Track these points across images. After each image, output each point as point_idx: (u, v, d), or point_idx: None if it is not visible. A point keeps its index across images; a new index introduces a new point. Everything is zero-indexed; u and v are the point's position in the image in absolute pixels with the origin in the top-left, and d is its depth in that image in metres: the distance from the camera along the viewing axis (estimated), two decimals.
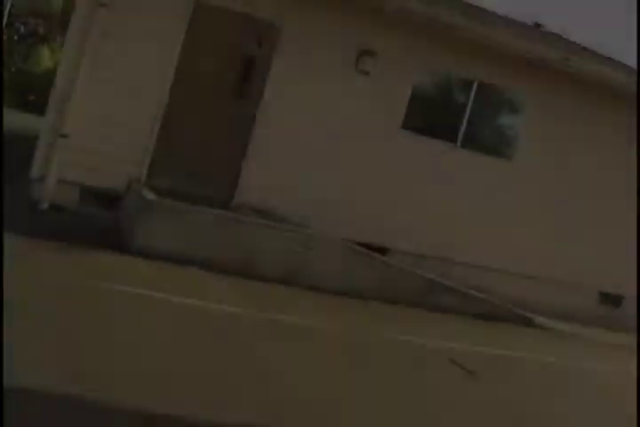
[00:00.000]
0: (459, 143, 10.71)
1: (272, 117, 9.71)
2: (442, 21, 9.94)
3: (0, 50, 8.71)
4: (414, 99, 10.36)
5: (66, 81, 8.92)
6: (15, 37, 26.20)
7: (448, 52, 10.35)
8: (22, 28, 26.58)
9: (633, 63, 19.02)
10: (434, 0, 10.33)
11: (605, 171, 11.62)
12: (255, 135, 9.74)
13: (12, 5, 22.76)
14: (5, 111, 12.36)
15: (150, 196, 7.90)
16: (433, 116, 10.76)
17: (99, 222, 8.61)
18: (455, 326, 8.10)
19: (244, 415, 3.82)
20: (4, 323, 3.90)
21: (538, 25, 15.04)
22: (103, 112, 8.89)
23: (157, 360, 4.33)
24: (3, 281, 4.20)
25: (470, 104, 10.72)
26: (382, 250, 9.97)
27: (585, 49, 13.54)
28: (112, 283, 5.79)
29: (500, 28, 11.40)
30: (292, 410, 4.08)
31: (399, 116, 10.34)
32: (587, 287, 11.86)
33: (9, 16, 22.09)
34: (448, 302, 8.73)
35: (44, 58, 26.48)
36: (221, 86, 10.57)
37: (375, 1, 9.72)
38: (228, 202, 9.64)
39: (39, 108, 15.51)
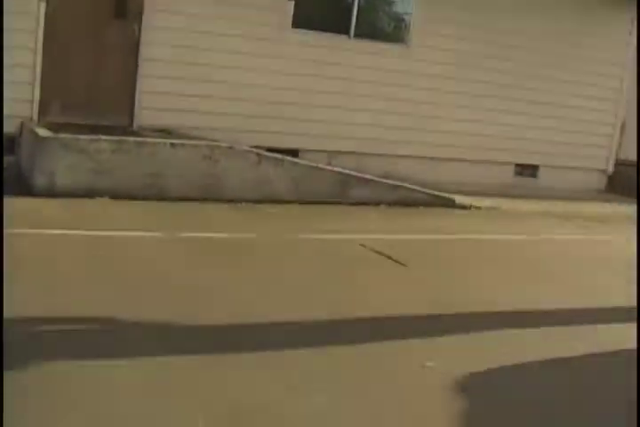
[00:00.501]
0: (352, 34, 10.68)
1: (156, 34, 9.52)
2: None
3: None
4: None
5: None
6: None
7: None
8: None
9: None
10: None
11: (510, 49, 11.76)
12: (142, 54, 9.57)
13: None
14: None
15: (44, 133, 7.77)
16: (322, 11, 10.68)
17: None
18: (373, 216, 8.30)
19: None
20: None
21: None
22: None
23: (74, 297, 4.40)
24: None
25: None
26: (293, 152, 10.06)
27: None
28: (16, 228, 5.76)
29: None
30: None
31: (288, 16, 10.24)
32: (503, 162, 12.22)
33: None
34: (365, 194, 8.91)
35: None
36: (99, 6, 10.25)
37: None
38: (127, 127, 9.55)
39: None
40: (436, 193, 9.54)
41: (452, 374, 3.71)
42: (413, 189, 9.36)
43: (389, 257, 6.23)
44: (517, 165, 12.44)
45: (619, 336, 4.65)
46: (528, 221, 9.16)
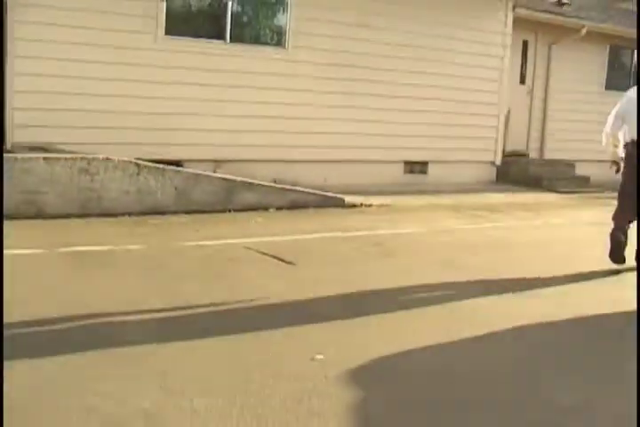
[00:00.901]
0: (228, 39, 10.64)
1: (24, 45, 9.25)
2: None
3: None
4: (172, 2, 10.17)
5: None
6: None
7: None
8: None
9: None
10: None
11: (388, 47, 11.92)
12: (10, 66, 9.28)
13: None
14: None
15: None
16: (195, 17, 10.61)
17: None
18: (260, 220, 8.26)
19: None
20: None
21: None
22: None
23: None
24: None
25: None
26: (177, 163, 9.91)
27: None
28: None
29: None
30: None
31: (161, 24, 10.11)
32: (392, 160, 12.37)
33: None
34: (253, 199, 8.87)
35: None
36: None
37: None
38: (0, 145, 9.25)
39: None
40: (326, 194, 9.59)
41: (341, 366, 3.70)
42: (302, 192, 9.38)
43: (274, 256, 6.20)
44: (407, 162, 12.61)
45: (495, 315, 4.75)
46: (419, 215, 9.29)
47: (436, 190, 11.72)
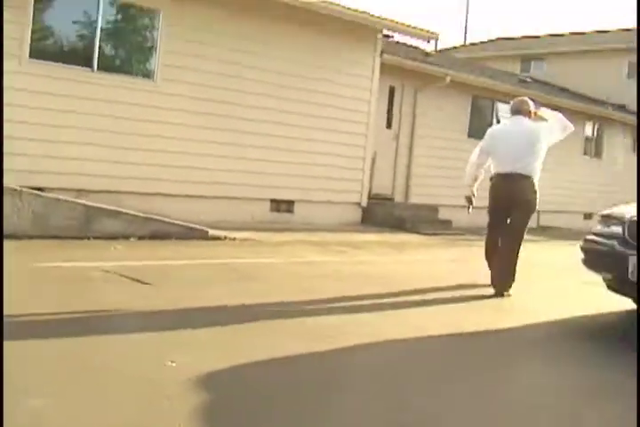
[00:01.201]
0: (95, 67, 10.56)
1: None
2: None
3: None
4: (39, 26, 10.04)
5: None
6: None
7: None
8: None
9: None
10: None
11: (259, 84, 12.12)
12: None
13: None
14: None
15: None
16: (63, 42, 10.50)
17: None
18: (121, 247, 8.14)
19: None
20: None
21: None
22: None
23: None
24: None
25: (100, 25, 10.58)
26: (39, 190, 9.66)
27: None
28: None
29: None
30: None
31: (25, 46, 9.94)
32: (259, 198, 12.46)
33: None
34: (114, 227, 8.74)
35: None
36: None
37: None
38: None
39: None
40: (189, 225, 9.56)
41: (192, 372, 3.69)
42: (165, 222, 9.32)
43: (133, 278, 6.13)
44: (273, 200, 12.73)
45: (334, 329, 4.85)
46: (282, 249, 9.37)
47: (302, 229, 11.87)
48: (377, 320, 5.44)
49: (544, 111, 7.63)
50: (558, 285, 8.27)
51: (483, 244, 7.48)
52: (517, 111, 7.42)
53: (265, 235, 10.47)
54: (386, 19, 13.30)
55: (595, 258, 6.29)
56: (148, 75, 11.13)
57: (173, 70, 11.26)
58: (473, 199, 7.61)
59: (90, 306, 5.03)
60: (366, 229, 12.96)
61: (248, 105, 12.08)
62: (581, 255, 6.42)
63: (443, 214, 14.70)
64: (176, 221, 9.48)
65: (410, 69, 15.05)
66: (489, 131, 7.59)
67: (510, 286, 7.14)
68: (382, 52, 14.05)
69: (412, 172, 15.50)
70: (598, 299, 6.76)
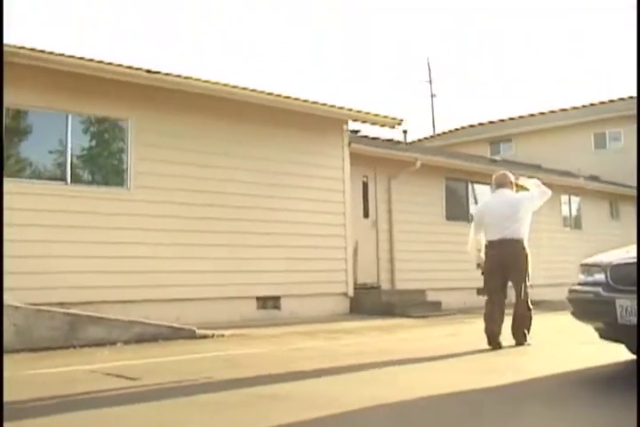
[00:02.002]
0: (69, 180, 10.76)
1: None
2: None
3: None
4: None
5: None
6: None
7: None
8: None
9: None
10: None
11: (232, 184, 12.38)
12: None
13: None
14: None
15: None
16: (33, 157, 10.73)
17: None
18: (106, 353, 8.08)
19: None
20: None
21: None
22: None
23: None
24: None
25: (70, 139, 10.84)
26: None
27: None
28: None
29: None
30: None
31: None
32: (244, 296, 12.47)
33: None
34: (99, 333, 8.71)
35: None
36: None
37: None
38: None
39: None
40: (175, 325, 9.54)
41: None
42: (151, 324, 9.30)
43: (119, 375, 6.10)
44: (259, 298, 12.73)
45: None
46: (273, 340, 9.36)
47: (290, 322, 11.82)
48: (382, 384, 5.40)
49: (524, 180, 8.75)
50: (554, 346, 8.27)
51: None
52: (500, 185, 8.63)
53: (253, 330, 10.44)
54: (351, 109, 13.70)
55: (582, 307, 6.35)
56: (121, 183, 11.32)
57: (146, 177, 11.47)
58: (482, 264, 8.44)
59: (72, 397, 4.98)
60: (355, 317, 12.94)
61: (224, 205, 12.28)
62: (569, 307, 6.47)
63: (431, 296, 14.72)
64: (161, 323, 9.46)
65: (380, 157, 15.41)
66: (477, 207, 9.15)
67: (524, 340, 8.20)
68: (350, 143, 14.40)
69: (394, 257, 15.60)
70: (592, 355, 6.77)
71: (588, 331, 6.52)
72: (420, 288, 14.89)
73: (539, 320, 8.63)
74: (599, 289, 6.07)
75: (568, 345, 8.19)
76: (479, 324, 8.23)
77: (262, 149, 12.92)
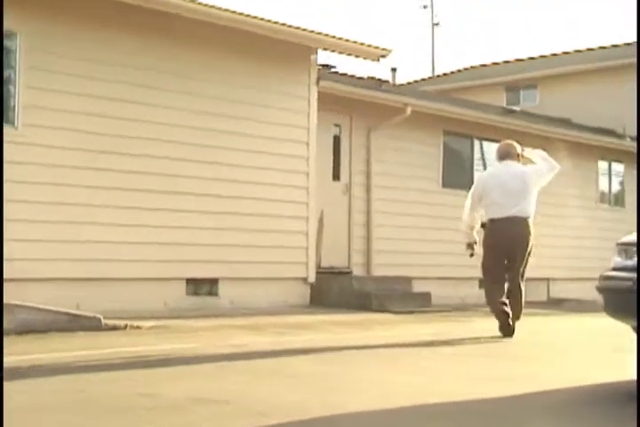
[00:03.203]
0: None
1: None
2: None
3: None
4: None
5: None
6: None
7: None
8: None
9: None
10: None
11: (172, 136, 12.28)
12: None
13: None
14: None
15: None
16: None
17: None
18: None
19: None
20: None
21: None
22: None
23: None
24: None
25: None
26: None
27: None
28: None
29: None
30: None
31: None
32: (172, 277, 12.34)
33: None
34: None
35: None
36: None
37: None
38: None
39: None
40: (73, 312, 9.46)
41: None
42: (40, 310, 9.19)
43: None
44: (190, 280, 12.61)
45: None
46: (202, 334, 9.33)
47: (232, 314, 11.77)
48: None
49: (529, 152, 10.03)
50: (580, 353, 8.35)
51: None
52: (506, 155, 9.89)
53: (181, 322, 10.41)
54: (321, 33, 13.53)
55: (618, 300, 6.32)
56: (7, 120, 11.08)
57: (40, 112, 11.22)
58: (475, 246, 9.90)
59: None
60: (317, 309, 12.94)
61: (145, 154, 12.06)
62: (600, 299, 6.46)
63: (419, 287, 14.72)
64: (55, 308, 9.35)
65: (358, 101, 15.30)
66: (479, 177, 10.52)
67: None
68: (319, 80, 14.26)
69: (372, 234, 15.61)
70: (624, 365, 6.83)
71: (627, 334, 6.52)
72: (405, 275, 14.88)
73: (561, 322, 8.74)
74: None
75: (598, 353, 8.26)
76: (479, 323, 8.32)
77: (203, 84, 12.73)
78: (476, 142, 17.51)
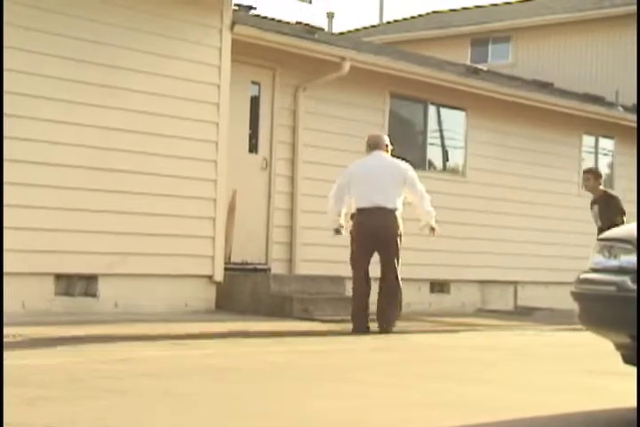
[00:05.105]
0: None
1: None
2: None
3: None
4: None
5: None
6: None
7: None
8: None
9: None
10: None
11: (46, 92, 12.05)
12: None
13: None
14: None
15: None
16: None
17: None
18: None
19: None
20: None
21: None
22: None
23: None
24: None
25: None
26: None
27: None
28: None
29: None
30: None
31: None
32: (37, 272, 12.21)
33: None
34: None
35: None
36: None
37: None
38: None
39: None
40: None
41: None
42: None
43: None
44: (60, 276, 12.45)
45: None
46: (77, 346, 9.28)
47: (115, 320, 11.72)
48: None
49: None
50: (545, 375, 8.42)
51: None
52: (376, 146, 12.30)
53: (46, 329, 10.32)
54: None
55: (596, 309, 6.32)
56: None
57: None
58: (342, 230, 12.15)
59: None
60: (224, 316, 12.94)
61: (11, 114, 11.90)
62: (575, 306, 6.46)
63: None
64: None
65: (284, 52, 15.23)
66: (348, 168, 12.33)
67: (395, 322, 11.73)
68: (234, 24, 14.15)
69: (297, 222, 15.60)
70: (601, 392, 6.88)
71: (607, 351, 6.54)
72: (336, 275, 14.87)
73: (526, 336, 8.80)
74: (626, 279, 6.04)
75: (568, 374, 8.30)
76: (422, 337, 8.37)
77: (86, 24, 12.58)
78: (432, 109, 17.58)
